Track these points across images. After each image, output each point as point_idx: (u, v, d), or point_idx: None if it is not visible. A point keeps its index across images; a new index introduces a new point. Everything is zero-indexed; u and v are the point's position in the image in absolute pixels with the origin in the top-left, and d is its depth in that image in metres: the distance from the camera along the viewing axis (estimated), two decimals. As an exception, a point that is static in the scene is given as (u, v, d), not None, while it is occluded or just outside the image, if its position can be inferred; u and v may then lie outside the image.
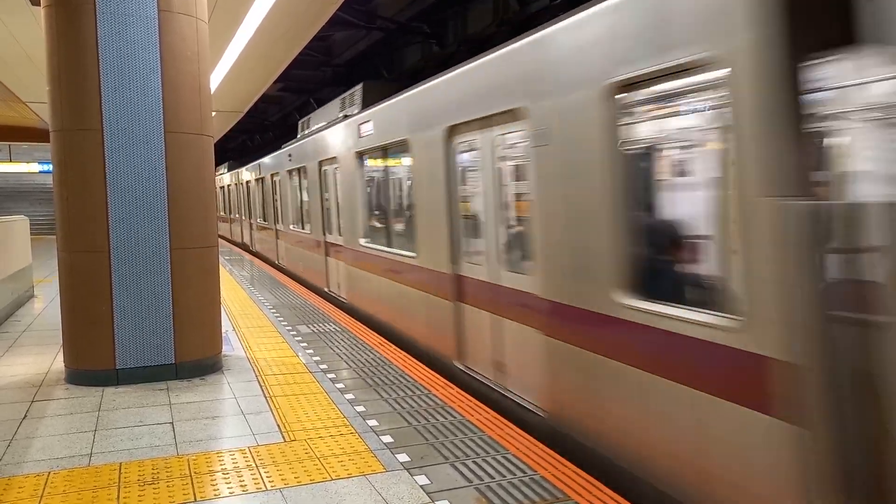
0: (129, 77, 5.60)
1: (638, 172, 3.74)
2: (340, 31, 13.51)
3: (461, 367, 5.94)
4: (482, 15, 10.49)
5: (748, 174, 2.86)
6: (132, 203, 5.65)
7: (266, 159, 16.55)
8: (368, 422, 4.65)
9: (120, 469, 3.91)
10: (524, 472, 3.80)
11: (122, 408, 5.04)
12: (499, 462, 3.94)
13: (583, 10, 3.94)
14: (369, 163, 8.67)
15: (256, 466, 3.91)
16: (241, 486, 3.66)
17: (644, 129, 3.72)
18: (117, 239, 5.63)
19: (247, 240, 21.50)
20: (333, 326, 8.03)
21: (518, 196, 5.01)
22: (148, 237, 5.70)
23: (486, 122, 5.23)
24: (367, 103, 8.76)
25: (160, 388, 5.55)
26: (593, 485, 3.64)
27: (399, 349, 6.84)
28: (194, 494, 3.57)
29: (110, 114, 5.57)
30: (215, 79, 13.50)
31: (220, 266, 6.70)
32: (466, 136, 5.65)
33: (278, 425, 4.61)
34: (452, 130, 5.80)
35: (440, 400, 5.13)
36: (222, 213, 27.70)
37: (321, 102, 15.33)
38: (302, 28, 10.23)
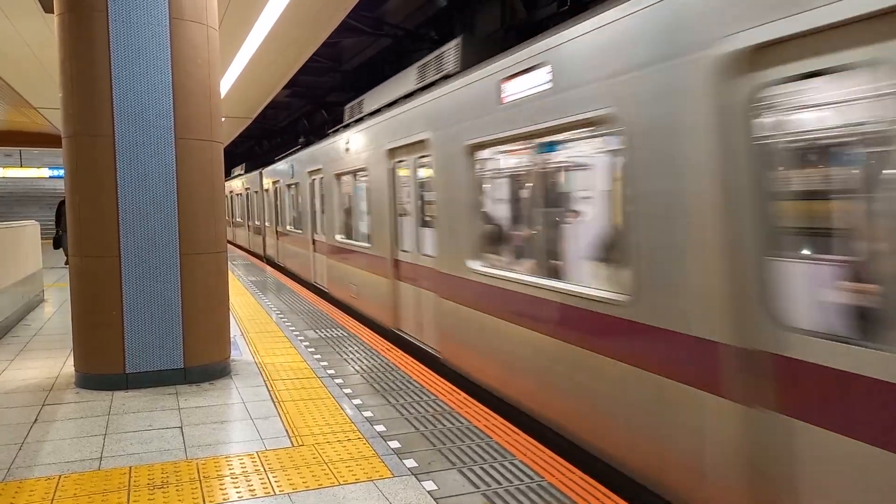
0: (141, 83, 5.65)
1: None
2: (349, 37, 13.55)
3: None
4: (490, 20, 10.52)
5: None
6: (143, 208, 5.70)
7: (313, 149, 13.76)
8: (376, 427, 4.67)
9: (130, 473, 3.94)
10: (531, 478, 3.80)
11: (131, 412, 5.08)
12: (506, 468, 3.95)
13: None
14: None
15: (265, 471, 3.93)
16: (250, 490, 3.68)
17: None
18: (128, 244, 5.67)
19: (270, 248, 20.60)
20: (341, 332, 8.05)
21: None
22: (158, 242, 5.74)
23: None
24: (466, 64, 6.73)
25: (169, 392, 5.58)
26: (600, 490, 3.65)
27: (406, 354, 6.86)
28: (203, 498, 3.59)
29: (121, 120, 5.62)
30: (225, 85, 13.57)
31: (230, 271, 6.72)
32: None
33: (286, 430, 4.63)
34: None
35: (447, 405, 5.14)
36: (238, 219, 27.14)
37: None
38: (311, 35, 10.29)
